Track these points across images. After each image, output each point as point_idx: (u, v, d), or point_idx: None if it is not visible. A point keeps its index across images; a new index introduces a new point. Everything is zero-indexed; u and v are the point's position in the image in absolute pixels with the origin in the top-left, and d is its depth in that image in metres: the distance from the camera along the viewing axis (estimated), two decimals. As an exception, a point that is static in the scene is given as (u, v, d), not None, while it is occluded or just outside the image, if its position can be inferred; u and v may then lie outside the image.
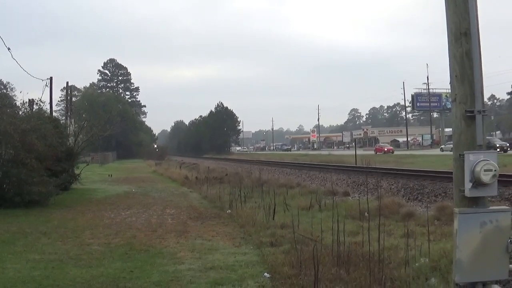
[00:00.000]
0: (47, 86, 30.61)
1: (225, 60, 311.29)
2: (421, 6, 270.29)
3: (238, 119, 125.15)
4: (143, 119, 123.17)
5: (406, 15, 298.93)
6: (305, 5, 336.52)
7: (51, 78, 31.34)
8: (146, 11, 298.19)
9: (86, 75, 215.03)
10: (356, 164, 31.92)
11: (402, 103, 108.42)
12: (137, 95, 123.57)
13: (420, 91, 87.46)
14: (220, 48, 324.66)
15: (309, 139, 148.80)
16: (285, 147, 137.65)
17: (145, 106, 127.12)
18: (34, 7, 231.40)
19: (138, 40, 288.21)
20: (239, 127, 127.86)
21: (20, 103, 19.87)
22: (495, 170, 3.85)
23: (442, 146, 65.53)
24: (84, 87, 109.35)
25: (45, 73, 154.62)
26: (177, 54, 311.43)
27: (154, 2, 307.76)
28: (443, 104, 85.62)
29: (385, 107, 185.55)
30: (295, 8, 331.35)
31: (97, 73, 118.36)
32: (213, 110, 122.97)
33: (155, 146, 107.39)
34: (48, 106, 28.51)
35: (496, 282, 3.99)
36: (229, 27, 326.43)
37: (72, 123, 28.99)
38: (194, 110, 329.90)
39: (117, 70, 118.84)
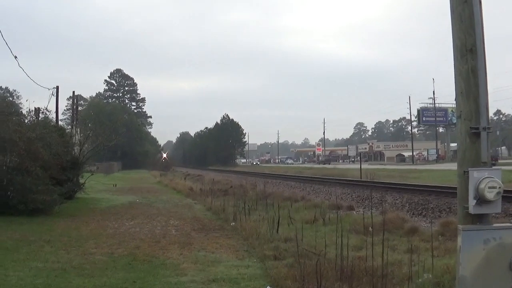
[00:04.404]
0: (53, 95, 30.77)
1: (227, 72, 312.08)
2: (427, 19, 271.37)
3: (244, 131, 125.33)
4: (149, 130, 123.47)
5: (410, 28, 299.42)
6: (307, 18, 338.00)
7: (57, 87, 31.55)
8: (143, 23, 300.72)
9: (92, 85, 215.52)
10: (361, 178, 31.82)
11: (408, 117, 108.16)
12: (143, 105, 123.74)
13: (426, 105, 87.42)
14: (223, 60, 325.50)
15: (314, 153, 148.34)
16: (286, 160, 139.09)
17: (151, 116, 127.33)
18: (42, 18, 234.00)
19: (144, 52, 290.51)
20: (244, 139, 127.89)
21: (26, 111, 19.89)
22: (499, 187, 3.84)
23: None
24: (90, 97, 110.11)
25: (52, 82, 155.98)
26: (177, 65, 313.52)
27: (151, 14, 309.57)
28: (449, 119, 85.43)
29: (391, 121, 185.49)
30: (294, 21, 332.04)
31: (104, 83, 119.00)
32: (219, 122, 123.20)
33: (164, 155, 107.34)
34: (54, 115, 28.69)
35: (500, 300, 3.95)
36: (228, 39, 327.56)
37: (78, 132, 29.04)
38: (199, 121, 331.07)
39: (123, 81, 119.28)
